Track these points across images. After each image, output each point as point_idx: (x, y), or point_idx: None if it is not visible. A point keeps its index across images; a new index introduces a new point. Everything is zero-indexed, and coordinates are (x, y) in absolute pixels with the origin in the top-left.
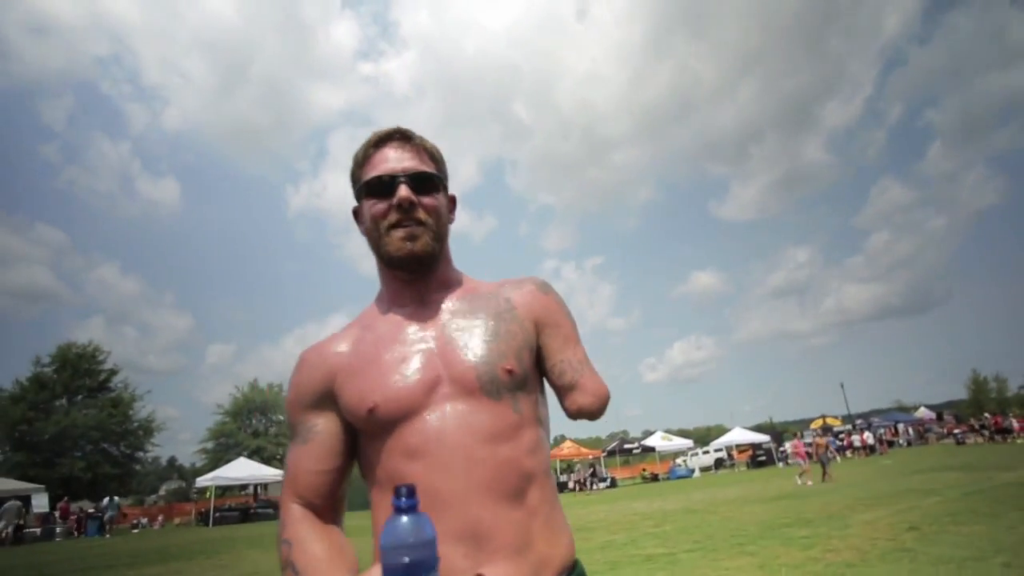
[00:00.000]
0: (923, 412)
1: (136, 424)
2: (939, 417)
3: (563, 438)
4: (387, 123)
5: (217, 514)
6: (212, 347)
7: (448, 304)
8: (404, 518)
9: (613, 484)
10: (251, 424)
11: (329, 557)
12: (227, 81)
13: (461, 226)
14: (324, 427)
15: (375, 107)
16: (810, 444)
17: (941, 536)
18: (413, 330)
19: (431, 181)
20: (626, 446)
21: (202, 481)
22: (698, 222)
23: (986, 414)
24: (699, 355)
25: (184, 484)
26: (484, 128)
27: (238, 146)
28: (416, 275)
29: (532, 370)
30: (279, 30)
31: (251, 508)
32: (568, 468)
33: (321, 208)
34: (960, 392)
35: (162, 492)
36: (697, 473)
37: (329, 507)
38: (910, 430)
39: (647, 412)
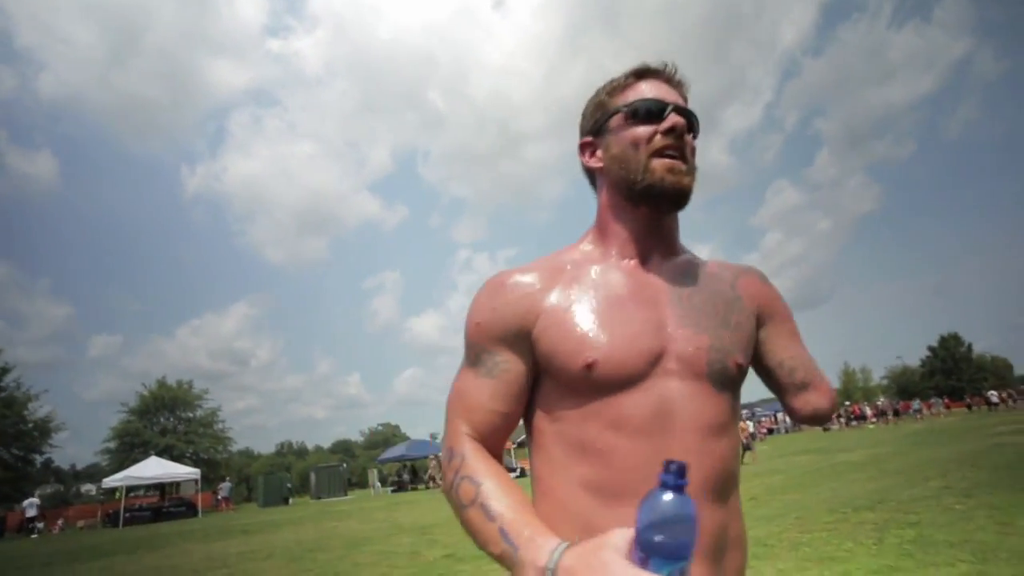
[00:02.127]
0: None
1: (31, 425)
2: None
3: None
4: (297, 105)
5: (127, 514)
6: (96, 338)
7: (675, 270)
8: (671, 495)
9: (523, 474)
10: (159, 422)
11: (526, 510)
12: (116, 50)
13: (372, 214)
14: (513, 366)
15: (283, 87)
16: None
17: (770, 502)
18: (639, 288)
19: (696, 123)
20: None
21: (110, 481)
22: None
23: (846, 403)
24: None
25: (62, 487)
26: (398, 115)
27: (128, 122)
28: (666, 215)
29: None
30: None
31: (164, 507)
32: None
33: (221, 192)
34: (834, 383)
35: (35, 498)
36: None
37: (498, 453)
38: (787, 418)
39: None
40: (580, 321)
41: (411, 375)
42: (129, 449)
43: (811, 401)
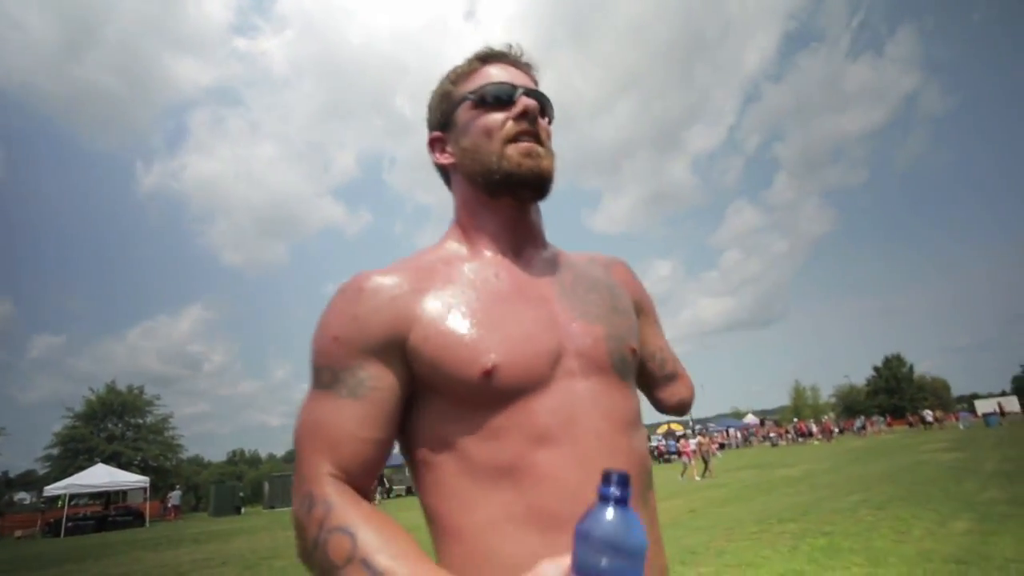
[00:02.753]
0: (750, 418)
1: None
2: (761, 423)
3: None
4: (261, 106)
5: (70, 523)
6: (37, 338)
7: (551, 262)
8: (613, 511)
9: (410, 492)
10: (106, 428)
11: (422, 560)
12: (73, 40)
13: (335, 219)
14: (383, 383)
15: (248, 87)
16: (697, 443)
17: (707, 514)
18: (521, 283)
19: (548, 105)
20: None
21: (53, 489)
22: (572, 231)
23: (794, 419)
24: None
25: None
26: (365, 121)
27: (81, 114)
28: (529, 203)
29: None
30: None
31: (109, 516)
32: None
33: (178, 191)
34: (785, 400)
35: None
36: None
37: (369, 494)
38: (738, 434)
39: None
40: (468, 324)
41: None
42: (73, 456)
43: (677, 392)
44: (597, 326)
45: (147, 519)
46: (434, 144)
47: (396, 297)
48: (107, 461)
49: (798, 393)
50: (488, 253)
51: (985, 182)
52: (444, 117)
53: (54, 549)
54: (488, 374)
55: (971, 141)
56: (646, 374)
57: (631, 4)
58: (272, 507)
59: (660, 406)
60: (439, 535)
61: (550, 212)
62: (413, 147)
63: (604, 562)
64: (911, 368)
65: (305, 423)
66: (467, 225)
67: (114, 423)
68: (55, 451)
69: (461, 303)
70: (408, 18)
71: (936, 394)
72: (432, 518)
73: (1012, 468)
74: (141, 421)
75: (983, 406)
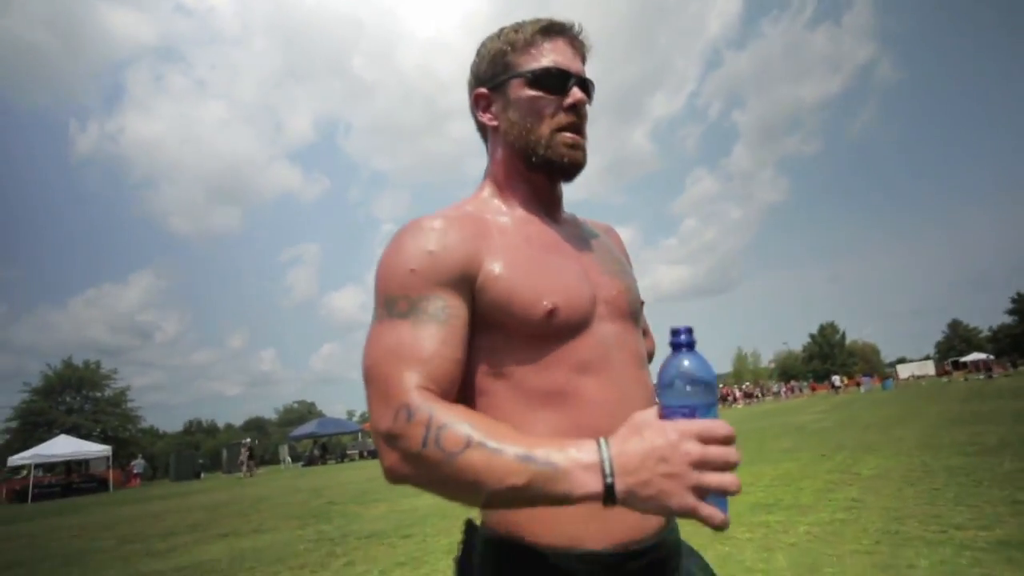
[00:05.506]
0: None
1: None
2: None
3: None
4: (207, 64)
5: (36, 490)
6: None
7: (572, 225)
8: (689, 354)
9: None
10: (65, 402)
11: (518, 433)
12: None
13: (291, 185)
14: (459, 311)
15: (194, 45)
16: None
17: None
18: (556, 239)
19: (591, 95)
20: None
21: (17, 459)
22: None
23: (735, 384)
24: None
25: None
26: (321, 82)
27: (6, 68)
28: (558, 183)
29: None
30: None
31: (73, 483)
32: None
33: (117, 155)
34: (728, 366)
35: None
36: None
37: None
38: None
39: None
40: (530, 269)
41: (329, 352)
42: (33, 428)
43: (647, 345)
44: (618, 280)
45: (111, 485)
46: (479, 100)
47: (464, 239)
48: (67, 433)
49: (740, 359)
50: (522, 211)
51: (929, 155)
52: (495, 79)
53: (31, 510)
54: (550, 314)
55: (918, 114)
56: None
57: None
58: (230, 472)
59: None
60: None
61: None
62: (370, 112)
63: (690, 391)
64: (843, 335)
65: (384, 346)
66: (503, 184)
67: (72, 396)
68: (14, 424)
69: (518, 251)
70: None
71: (866, 359)
72: None
73: (833, 425)
74: (99, 394)
75: (904, 370)
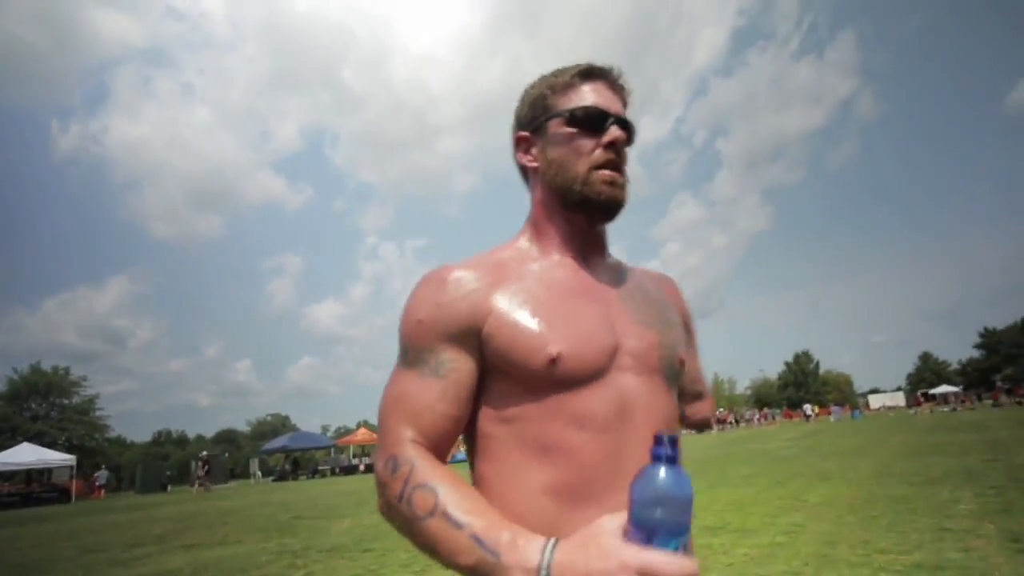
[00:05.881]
0: None
1: None
2: None
3: (364, 423)
4: (195, 68)
5: None
6: None
7: (612, 270)
8: (665, 469)
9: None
10: (30, 408)
11: (496, 514)
12: None
13: (275, 193)
14: (462, 365)
15: (183, 48)
16: None
17: None
18: (585, 285)
19: (634, 133)
20: None
21: None
22: (520, 214)
23: (720, 409)
24: None
25: None
26: (309, 91)
27: None
28: (598, 223)
29: None
30: None
31: (33, 493)
32: (363, 452)
33: (100, 155)
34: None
35: None
36: None
37: (443, 457)
38: None
39: None
40: (538, 316)
41: (307, 364)
42: None
43: (701, 410)
44: (651, 332)
45: (73, 496)
46: (520, 143)
47: (474, 290)
48: (31, 440)
49: (716, 385)
50: (556, 255)
51: (906, 189)
52: (535, 121)
53: None
54: (553, 362)
55: (898, 149)
56: (679, 389)
57: None
58: (209, 489)
59: (685, 420)
60: (484, 496)
61: (498, 196)
62: (359, 123)
63: (657, 513)
64: (817, 364)
65: (390, 396)
66: (541, 226)
67: (38, 403)
68: None
69: (530, 298)
70: None
71: (839, 388)
72: (479, 480)
73: (798, 452)
74: (67, 401)
75: (876, 401)
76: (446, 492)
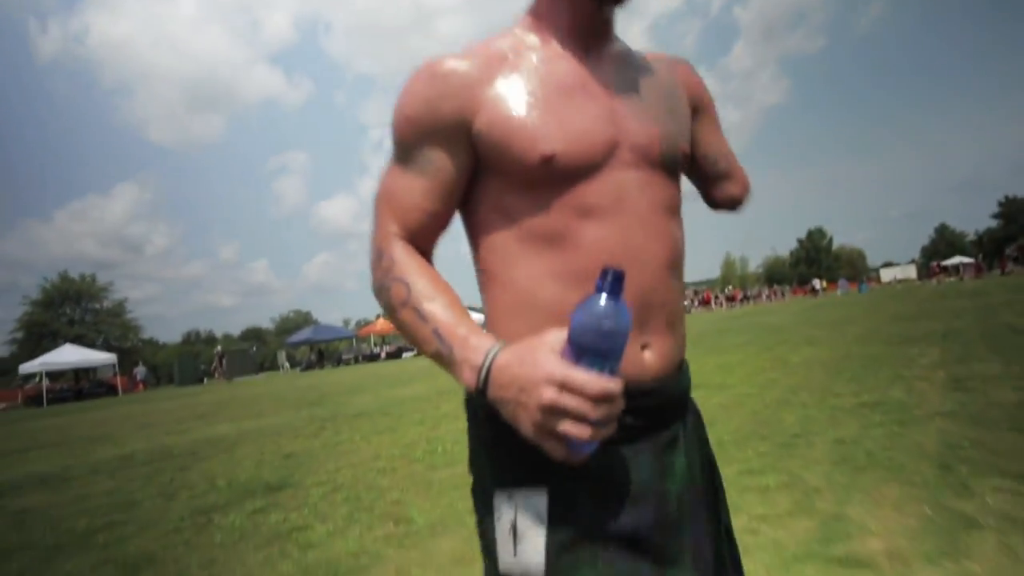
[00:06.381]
0: None
1: None
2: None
3: (382, 314)
4: None
5: (50, 395)
6: None
7: (617, 60)
8: (607, 300)
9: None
10: (65, 313)
11: (459, 311)
12: None
13: (273, 90)
14: (448, 163)
15: None
16: None
17: None
18: (586, 78)
19: None
20: None
21: (28, 367)
22: None
23: (728, 287)
24: None
25: None
26: None
27: None
28: (608, 7)
29: None
30: None
31: (84, 389)
32: (383, 341)
33: (84, 58)
34: (716, 271)
35: None
36: None
37: (429, 253)
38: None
39: None
40: (532, 112)
41: (322, 261)
42: (38, 339)
43: (728, 189)
44: (654, 125)
45: (119, 390)
46: None
47: (465, 85)
48: (72, 343)
49: (728, 264)
50: (557, 46)
51: (936, 53)
52: None
53: (49, 412)
54: (547, 160)
55: (926, 10)
56: (699, 172)
57: None
58: (231, 378)
59: (712, 203)
60: (488, 284)
61: None
62: (352, 9)
63: (589, 337)
64: (830, 240)
65: (381, 190)
66: (542, 15)
67: (72, 308)
68: (20, 335)
69: (526, 92)
70: None
71: (851, 263)
72: (483, 270)
73: (794, 323)
74: (99, 305)
75: (887, 274)
76: (419, 286)
